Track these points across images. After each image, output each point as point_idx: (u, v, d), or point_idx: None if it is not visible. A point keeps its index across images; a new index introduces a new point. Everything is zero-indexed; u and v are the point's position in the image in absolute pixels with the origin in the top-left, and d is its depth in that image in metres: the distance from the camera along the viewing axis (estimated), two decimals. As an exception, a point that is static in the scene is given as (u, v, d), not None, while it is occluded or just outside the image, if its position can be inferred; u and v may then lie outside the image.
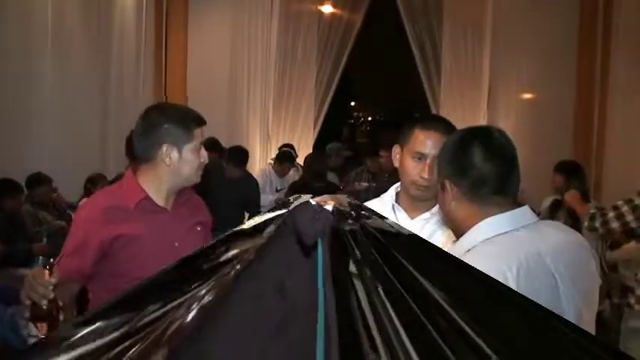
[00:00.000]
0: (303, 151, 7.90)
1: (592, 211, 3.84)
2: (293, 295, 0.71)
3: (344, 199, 0.80)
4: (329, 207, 0.69)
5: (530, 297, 1.32)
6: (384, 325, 0.64)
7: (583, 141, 7.91)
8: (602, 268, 4.17)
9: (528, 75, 8.30)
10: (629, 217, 3.54)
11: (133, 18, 7.71)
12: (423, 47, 8.98)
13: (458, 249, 1.51)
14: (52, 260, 1.95)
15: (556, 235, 1.52)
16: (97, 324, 0.79)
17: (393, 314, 0.65)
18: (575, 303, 1.44)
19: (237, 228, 0.85)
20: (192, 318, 0.74)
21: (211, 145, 5.57)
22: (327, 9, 9.30)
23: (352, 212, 0.73)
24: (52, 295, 1.84)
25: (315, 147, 8.97)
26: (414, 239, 0.83)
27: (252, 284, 0.75)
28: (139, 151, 2.20)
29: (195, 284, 0.79)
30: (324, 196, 0.75)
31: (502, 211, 1.47)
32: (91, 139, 6.82)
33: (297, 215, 0.72)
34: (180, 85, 8.56)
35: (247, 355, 0.71)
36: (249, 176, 6.37)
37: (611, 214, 3.63)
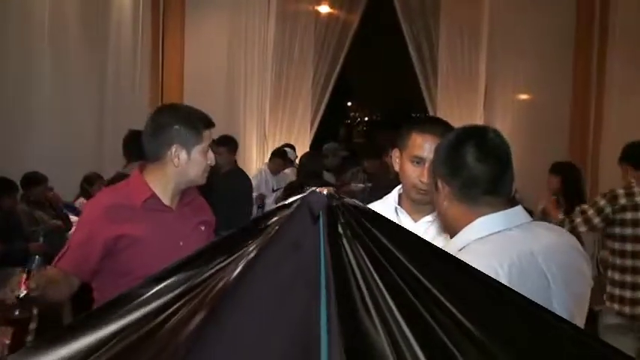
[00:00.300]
0: (300, 152, 7.91)
1: (561, 217, 3.89)
2: (304, 249, 1.07)
3: (332, 189, 1.17)
4: (325, 192, 1.15)
5: None
6: (363, 269, 0.97)
7: (579, 142, 7.93)
8: (598, 268, 4.20)
9: (525, 76, 8.32)
10: (596, 220, 3.57)
11: (130, 18, 7.70)
12: (420, 48, 8.99)
13: (451, 247, 1.51)
14: (45, 260, 1.94)
15: (549, 236, 1.53)
16: (167, 280, 1.07)
17: (367, 260, 0.99)
18: (567, 304, 1.45)
19: (281, 203, 1.18)
20: (239, 270, 1.03)
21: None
22: (324, 9, 9.31)
23: (336, 195, 1.16)
24: (16, 301, 1.82)
25: (311, 147, 8.97)
26: (377, 214, 1.16)
27: (280, 242, 1.09)
28: (148, 150, 2.22)
29: (248, 242, 1.09)
30: (323, 187, 1.15)
31: (495, 211, 1.48)
32: (88, 139, 6.81)
33: (308, 196, 1.15)
34: (177, 85, 8.55)
35: (270, 299, 1.02)
36: (238, 169, 6.31)
37: (578, 219, 3.66)
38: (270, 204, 6.56)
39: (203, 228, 2.35)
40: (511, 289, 0.97)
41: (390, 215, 2.10)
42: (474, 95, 8.75)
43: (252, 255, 1.05)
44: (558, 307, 1.42)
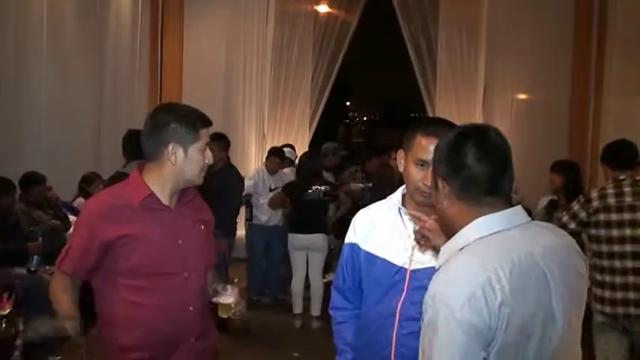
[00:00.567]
0: (299, 151, 7.91)
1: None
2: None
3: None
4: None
5: (521, 296, 1.35)
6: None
7: (578, 141, 7.94)
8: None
9: (523, 75, 8.33)
10: (572, 225, 3.59)
11: (129, 18, 7.71)
12: (419, 48, 9.01)
13: (452, 246, 1.52)
14: (44, 260, 1.96)
15: (548, 236, 1.53)
16: None
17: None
18: (566, 303, 1.45)
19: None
20: None
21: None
22: (323, 9, 9.32)
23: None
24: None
25: (310, 147, 8.98)
26: None
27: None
28: (146, 150, 2.22)
29: None
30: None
31: (494, 211, 1.48)
32: (86, 139, 6.82)
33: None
34: (176, 84, 8.56)
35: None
36: (230, 167, 6.26)
37: (565, 218, 3.69)
38: (264, 204, 6.58)
39: (202, 227, 2.35)
40: None
41: (394, 216, 2.11)
42: (473, 95, 8.76)
43: None
44: (557, 307, 1.43)
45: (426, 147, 1.97)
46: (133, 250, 2.13)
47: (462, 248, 1.47)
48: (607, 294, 3.49)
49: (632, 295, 3.42)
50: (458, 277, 1.37)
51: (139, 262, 2.14)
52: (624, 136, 3.87)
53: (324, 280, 6.38)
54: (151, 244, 2.16)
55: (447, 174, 1.53)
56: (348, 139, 28.07)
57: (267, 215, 6.61)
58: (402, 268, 2.02)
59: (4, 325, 1.81)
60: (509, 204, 1.52)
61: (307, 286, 6.31)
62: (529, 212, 1.64)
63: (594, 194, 3.60)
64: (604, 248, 3.49)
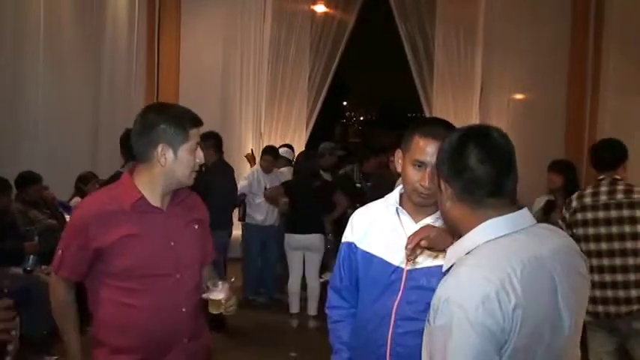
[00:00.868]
0: (296, 151, 7.90)
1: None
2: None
3: None
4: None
5: (533, 299, 1.35)
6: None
7: (575, 140, 7.95)
8: None
9: (520, 74, 8.35)
10: (567, 215, 3.65)
11: (125, 18, 7.69)
12: (416, 47, 9.02)
13: (458, 249, 1.51)
14: (40, 259, 1.95)
15: (552, 238, 1.53)
16: None
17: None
18: (572, 305, 1.45)
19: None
20: None
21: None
22: (320, 8, 9.31)
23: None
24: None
25: (307, 146, 8.98)
26: None
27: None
28: (136, 151, 2.20)
29: None
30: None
31: (499, 213, 1.47)
32: (83, 138, 6.80)
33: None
34: (173, 83, 8.54)
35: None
36: (226, 163, 6.27)
37: (559, 220, 3.74)
38: (260, 203, 6.56)
39: (196, 226, 2.33)
40: None
41: (392, 216, 2.10)
42: (470, 94, 8.77)
43: None
44: (564, 309, 1.43)
45: (424, 148, 1.96)
46: (124, 252, 2.11)
47: (471, 251, 1.46)
48: None
49: (609, 293, 3.43)
50: (470, 280, 1.36)
51: (131, 265, 2.12)
52: (621, 135, 3.89)
53: (321, 280, 6.38)
54: (143, 247, 2.14)
55: (449, 176, 1.52)
56: (344, 138, 28.09)
57: (263, 215, 6.60)
58: (398, 267, 2.02)
59: None
60: (514, 205, 1.51)
61: (304, 286, 6.31)
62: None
63: (574, 195, 3.67)
64: (582, 247, 3.51)
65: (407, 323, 1.96)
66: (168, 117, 2.15)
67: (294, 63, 9.13)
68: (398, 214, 2.09)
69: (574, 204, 3.63)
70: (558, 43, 8.04)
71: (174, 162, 2.15)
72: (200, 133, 2.23)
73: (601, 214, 3.51)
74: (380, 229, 2.11)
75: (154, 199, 2.19)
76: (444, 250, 1.72)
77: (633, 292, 3.39)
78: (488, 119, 8.28)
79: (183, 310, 2.20)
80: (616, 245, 3.45)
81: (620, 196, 3.49)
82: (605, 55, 7.59)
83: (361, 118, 38.68)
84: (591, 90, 7.87)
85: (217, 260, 5.56)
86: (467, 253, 1.46)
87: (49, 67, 6.19)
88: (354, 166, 8.51)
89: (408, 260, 1.93)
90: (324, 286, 5.95)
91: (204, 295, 2.27)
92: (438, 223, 1.97)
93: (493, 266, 1.37)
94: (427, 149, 1.95)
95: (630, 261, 3.41)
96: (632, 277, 3.40)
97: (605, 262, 3.46)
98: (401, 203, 2.11)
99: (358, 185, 7.91)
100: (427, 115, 8.69)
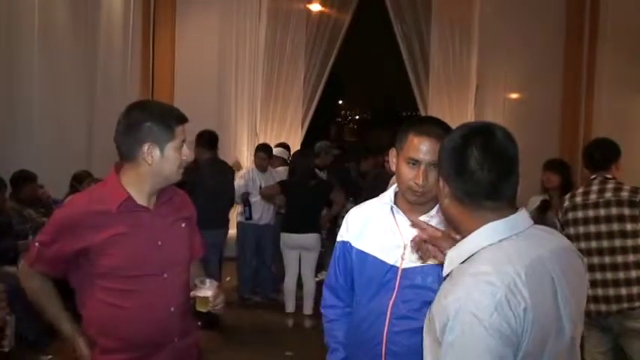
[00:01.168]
0: (291, 150, 7.89)
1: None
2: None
3: None
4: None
5: (539, 303, 1.35)
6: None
7: (570, 138, 7.97)
8: None
9: (515, 73, 8.36)
10: (561, 215, 3.68)
11: (121, 16, 7.67)
12: (411, 46, 9.02)
13: (458, 254, 1.49)
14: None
15: (551, 240, 1.53)
16: None
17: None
18: (571, 305, 1.45)
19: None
20: None
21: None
22: (316, 8, 9.30)
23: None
24: None
25: (303, 145, 8.97)
26: None
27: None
28: (121, 150, 2.16)
29: None
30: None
31: (497, 216, 1.45)
32: (78, 136, 6.78)
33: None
34: (168, 83, 8.52)
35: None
36: (221, 161, 6.24)
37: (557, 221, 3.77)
38: (256, 202, 6.54)
39: (184, 225, 2.30)
40: None
41: (386, 214, 2.10)
42: (465, 93, 8.78)
43: None
44: (565, 311, 1.43)
45: (418, 146, 1.96)
46: (111, 252, 2.08)
47: (474, 254, 1.45)
48: None
49: (600, 291, 3.44)
50: (478, 289, 1.33)
51: (118, 265, 2.09)
52: (616, 133, 3.91)
53: (317, 279, 6.38)
54: (129, 247, 2.11)
55: (448, 175, 1.50)
56: (340, 138, 28.09)
57: (258, 214, 6.58)
58: (393, 266, 2.02)
59: None
60: (513, 207, 1.50)
61: (299, 285, 6.31)
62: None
63: (567, 195, 3.70)
64: (574, 246, 3.54)
65: (402, 322, 1.97)
66: (153, 115, 2.11)
67: (289, 62, 9.11)
68: (393, 212, 2.09)
69: (566, 203, 3.66)
70: (553, 42, 8.05)
71: (161, 160, 2.11)
72: (185, 130, 2.19)
73: (591, 213, 3.53)
74: (375, 228, 2.10)
75: (141, 198, 2.16)
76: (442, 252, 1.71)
77: (623, 290, 3.39)
78: (483, 118, 8.27)
79: (172, 309, 2.18)
80: (605, 243, 3.46)
81: (609, 194, 3.50)
82: (600, 53, 7.61)
83: (356, 118, 38.69)
84: (586, 89, 7.89)
85: (211, 259, 5.59)
86: (468, 258, 1.45)
87: (44, 68, 6.16)
88: (350, 164, 8.52)
89: (417, 250, 1.88)
90: (319, 285, 5.95)
91: (192, 293, 2.24)
92: (434, 221, 1.97)
93: (498, 271, 1.36)
94: (421, 147, 1.95)
95: (619, 259, 3.43)
96: (621, 275, 3.41)
97: (596, 260, 3.47)
98: (395, 202, 2.10)
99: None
100: (423, 114, 8.69)
